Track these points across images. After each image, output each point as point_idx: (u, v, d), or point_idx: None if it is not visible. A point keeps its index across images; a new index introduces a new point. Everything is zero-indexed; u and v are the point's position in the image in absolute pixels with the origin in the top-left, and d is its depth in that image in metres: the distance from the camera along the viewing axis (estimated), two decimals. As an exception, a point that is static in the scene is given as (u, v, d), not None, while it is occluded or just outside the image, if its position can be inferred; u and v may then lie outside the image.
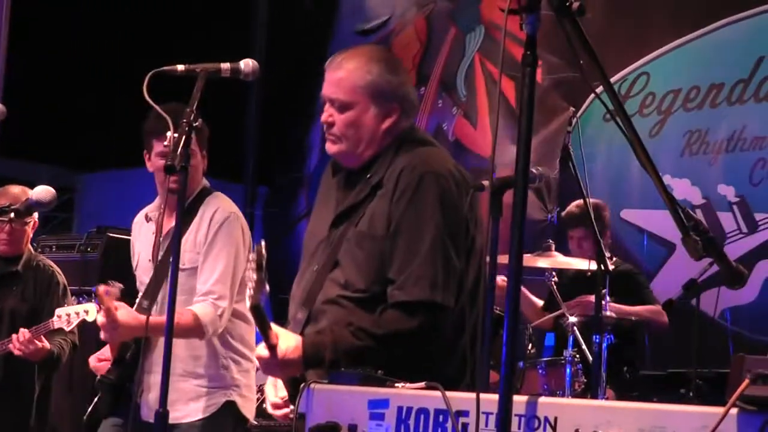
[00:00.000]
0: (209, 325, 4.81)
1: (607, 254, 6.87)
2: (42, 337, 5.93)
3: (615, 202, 7.44)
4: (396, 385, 2.92)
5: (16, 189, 6.09)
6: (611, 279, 6.52)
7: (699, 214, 7.98)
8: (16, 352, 5.91)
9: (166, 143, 3.69)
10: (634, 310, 6.67)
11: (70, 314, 5.83)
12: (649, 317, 6.75)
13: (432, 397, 2.78)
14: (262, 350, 3.34)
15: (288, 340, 3.36)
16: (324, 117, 3.67)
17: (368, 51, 3.74)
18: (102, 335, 4.76)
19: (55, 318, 5.86)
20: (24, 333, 5.88)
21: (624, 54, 8.66)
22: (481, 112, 9.62)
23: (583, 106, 8.44)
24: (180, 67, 3.62)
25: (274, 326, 3.34)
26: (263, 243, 3.13)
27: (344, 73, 3.62)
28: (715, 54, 8.23)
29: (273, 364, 3.36)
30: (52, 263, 6.45)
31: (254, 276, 3.09)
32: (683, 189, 8.12)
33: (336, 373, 3.13)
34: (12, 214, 4.43)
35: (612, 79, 8.51)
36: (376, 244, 3.50)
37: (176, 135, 3.31)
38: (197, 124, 3.37)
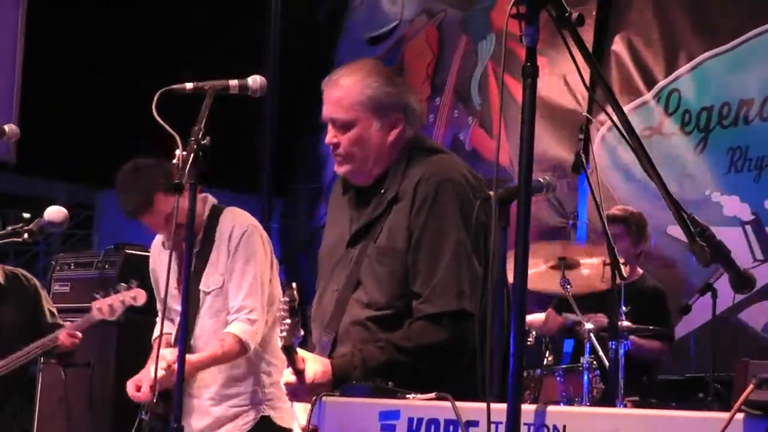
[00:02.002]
0: (250, 341, 4.86)
1: (639, 269, 6.92)
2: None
3: (661, 218, 7.40)
4: (406, 396, 2.94)
5: None
6: (636, 292, 6.52)
7: (749, 231, 7.95)
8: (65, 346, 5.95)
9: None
10: (648, 346, 6.68)
11: (112, 304, 5.72)
12: (655, 354, 6.78)
13: (442, 408, 2.80)
14: (289, 376, 3.31)
15: (316, 364, 3.33)
16: (328, 138, 3.64)
17: (363, 65, 3.70)
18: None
19: (94, 311, 5.77)
20: (70, 327, 5.93)
21: (652, 71, 8.61)
22: (497, 121, 9.61)
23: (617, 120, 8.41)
24: (188, 85, 3.64)
25: (300, 351, 3.30)
26: (294, 285, 3.11)
27: (342, 92, 3.59)
28: (742, 69, 8.15)
29: (301, 390, 3.32)
30: (14, 268, 6.44)
31: (288, 320, 3.10)
32: (733, 206, 8.03)
33: (347, 385, 3.15)
34: (26, 235, 4.46)
35: (644, 98, 8.52)
36: (398, 258, 3.48)
37: (185, 153, 3.33)
38: (205, 142, 3.39)
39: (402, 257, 3.48)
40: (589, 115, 8.20)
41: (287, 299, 3.10)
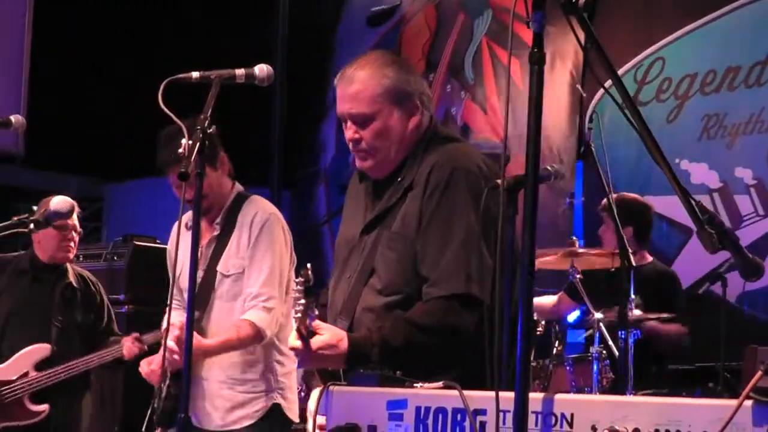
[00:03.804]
0: (266, 329, 4.86)
1: (647, 255, 6.90)
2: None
3: (636, 189, 7.42)
4: (414, 385, 2.94)
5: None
6: (645, 277, 6.50)
7: (716, 198, 7.97)
8: (128, 356, 6.05)
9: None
10: (664, 329, 6.64)
11: (183, 321, 5.86)
12: (673, 338, 6.72)
13: (450, 397, 2.79)
14: (294, 341, 3.25)
15: (328, 335, 3.27)
16: (349, 135, 3.60)
17: (376, 56, 3.66)
18: (171, 359, 4.74)
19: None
20: (131, 339, 6.03)
21: (637, 39, 8.65)
22: (489, 96, 9.64)
23: (600, 93, 8.44)
24: (195, 75, 3.63)
25: (317, 321, 3.26)
26: (309, 266, 3.09)
27: (360, 85, 3.55)
28: (731, 37, 8.19)
29: (305, 356, 3.26)
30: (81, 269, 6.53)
31: (302, 300, 3.08)
32: (701, 173, 8.10)
33: (355, 374, 3.14)
34: (31, 225, 4.44)
35: (626, 66, 8.55)
36: (407, 243, 3.47)
37: (190, 142, 3.32)
38: (211, 130, 3.38)
39: (412, 242, 3.47)
40: (581, 89, 8.26)
41: (302, 279, 3.07)
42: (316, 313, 3.13)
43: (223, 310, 4.97)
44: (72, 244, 6.17)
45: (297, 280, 3.08)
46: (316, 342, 3.24)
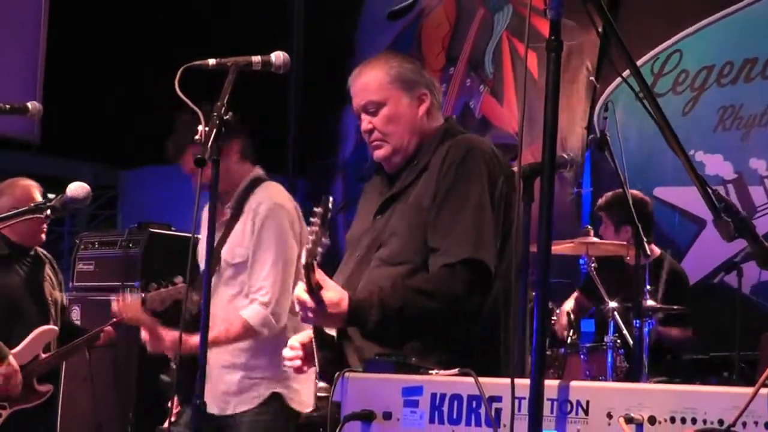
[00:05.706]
0: (260, 326, 4.84)
1: (656, 249, 6.89)
2: None
3: (648, 181, 7.43)
4: (429, 372, 2.94)
5: (24, 182, 6.14)
6: (654, 271, 6.50)
7: (731, 190, 7.96)
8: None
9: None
10: (669, 334, 6.64)
11: (164, 298, 5.70)
12: (679, 341, 6.72)
13: (465, 384, 2.78)
14: (302, 293, 3.28)
15: (332, 292, 3.32)
16: (364, 126, 3.73)
17: (381, 55, 3.87)
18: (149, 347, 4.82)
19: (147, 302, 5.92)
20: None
21: (656, 32, 8.65)
22: (507, 89, 9.65)
23: (613, 84, 8.43)
24: (211, 62, 3.64)
25: (322, 275, 3.27)
26: (330, 198, 3.15)
27: (368, 77, 3.74)
28: (749, 29, 8.20)
29: (311, 310, 3.30)
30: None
31: (315, 228, 3.10)
32: (715, 165, 8.10)
33: (370, 361, 3.15)
34: (48, 211, 4.45)
35: (644, 58, 8.56)
36: (420, 214, 3.53)
37: (207, 128, 3.33)
38: (228, 117, 3.38)
39: (425, 214, 3.52)
40: (595, 81, 8.26)
41: (320, 210, 3.10)
42: (328, 242, 3.13)
43: (226, 296, 4.97)
44: (45, 226, 6.20)
45: (316, 209, 3.10)
46: (324, 297, 3.27)
